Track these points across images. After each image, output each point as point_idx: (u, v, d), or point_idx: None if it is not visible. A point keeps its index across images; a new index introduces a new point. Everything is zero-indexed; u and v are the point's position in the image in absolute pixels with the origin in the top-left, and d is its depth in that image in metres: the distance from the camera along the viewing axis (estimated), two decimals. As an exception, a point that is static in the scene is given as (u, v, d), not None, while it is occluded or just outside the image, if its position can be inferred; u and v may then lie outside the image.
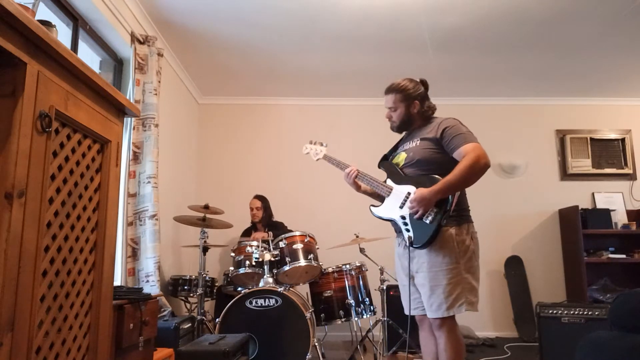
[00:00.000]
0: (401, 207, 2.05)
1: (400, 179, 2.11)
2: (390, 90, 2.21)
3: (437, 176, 1.97)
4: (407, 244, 2.03)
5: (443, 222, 1.93)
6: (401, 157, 2.17)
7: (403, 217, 2.04)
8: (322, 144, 2.49)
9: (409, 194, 2.03)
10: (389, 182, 2.16)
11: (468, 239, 2.00)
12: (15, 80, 1.05)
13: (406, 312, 2.15)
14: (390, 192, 2.11)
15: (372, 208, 2.20)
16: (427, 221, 1.96)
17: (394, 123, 2.23)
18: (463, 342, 2.00)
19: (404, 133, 2.30)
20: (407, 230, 2.02)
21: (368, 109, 5.02)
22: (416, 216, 1.97)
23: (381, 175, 2.21)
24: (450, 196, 1.94)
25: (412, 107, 2.17)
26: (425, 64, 4.13)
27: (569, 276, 4.66)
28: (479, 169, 1.91)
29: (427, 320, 2.08)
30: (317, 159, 2.48)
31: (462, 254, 1.96)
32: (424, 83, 2.22)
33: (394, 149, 2.30)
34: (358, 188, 2.28)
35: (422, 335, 2.18)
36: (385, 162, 2.25)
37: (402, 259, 2.12)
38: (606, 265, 4.51)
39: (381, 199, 2.19)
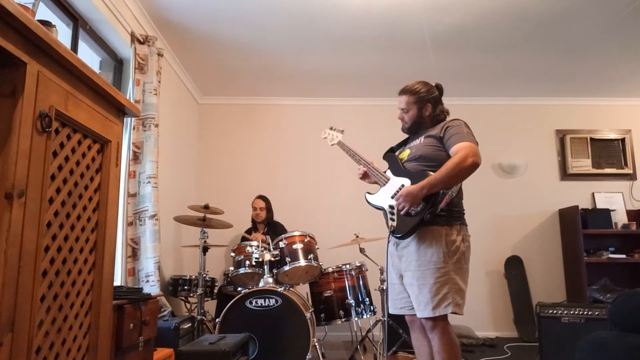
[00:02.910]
0: (392, 197, 2.09)
1: (398, 172, 2.16)
2: (404, 91, 2.24)
3: (431, 172, 2.00)
4: (389, 232, 2.09)
5: (426, 217, 1.95)
6: (405, 153, 2.22)
7: (391, 207, 2.09)
8: (341, 132, 2.54)
9: (402, 185, 2.07)
10: (388, 172, 2.20)
11: (459, 240, 2.01)
12: (15, 80, 1.05)
13: (390, 310, 2.19)
14: (386, 182, 2.16)
15: (366, 195, 2.25)
16: (413, 213, 1.99)
17: (405, 124, 2.27)
18: (457, 342, 2.00)
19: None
20: (392, 220, 2.07)
21: (368, 109, 5.02)
22: (402, 212, 2.01)
23: (385, 166, 2.26)
24: (440, 193, 1.95)
25: (425, 109, 2.21)
26: (425, 64, 4.12)
27: (569, 276, 4.66)
28: (465, 167, 1.93)
29: (418, 321, 2.08)
30: (332, 144, 2.53)
31: (452, 254, 1.98)
32: (438, 87, 2.25)
33: (403, 144, 2.34)
34: (367, 177, 2.33)
35: (414, 337, 2.19)
36: (390, 154, 2.28)
37: (392, 257, 2.17)
38: (606, 265, 4.51)
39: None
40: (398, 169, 2.17)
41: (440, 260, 1.96)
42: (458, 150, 1.97)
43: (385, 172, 2.22)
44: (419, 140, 2.17)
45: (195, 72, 4.41)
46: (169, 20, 3.44)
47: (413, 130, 2.27)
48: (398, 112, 2.28)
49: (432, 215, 1.96)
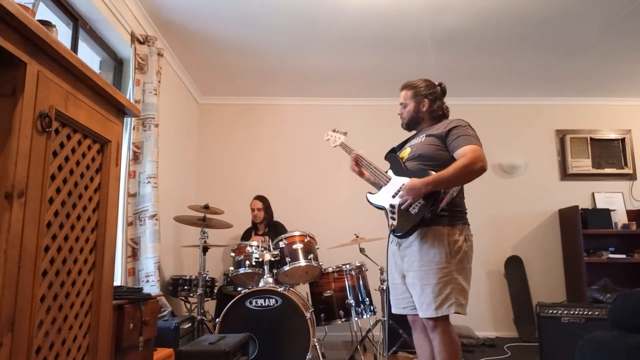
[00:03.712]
0: (393, 197, 2.09)
1: (400, 171, 2.16)
2: (403, 86, 2.27)
3: (432, 171, 2.00)
4: (390, 231, 2.09)
5: (427, 216, 1.95)
6: (405, 152, 2.21)
7: (392, 206, 2.08)
8: (344, 133, 2.56)
9: (403, 184, 2.06)
10: (390, 172, 2.20)
11: (461, 239, 2.00)
12: (15, 80, 1.05)
13: (393, 310, 2.19)
14: (387, 182, 2.16)
15: (368, 195, 2.25)
16: (413, 212, 1.99)
17: (403, 120, 2.28)
18: (458, 342, 1.99)
19: (412, 132, 2.34)
20: (393, 219, 2.07)
21: (368, 109, 5.02)
22: (403, 206, 2.01)
23: (387, 167, 2.25)
24: (441, 192, 1.95)
25: (422, 105, 2.21)
26: (425, 64, 4.12)
27: (569, 276, 4.66)
28: (473, 170, 1.93)
29: (420, 321, 2.08)
30: (335, 146, 2.56)
31: (454, 254, 1.97)
32: (441, 86, 2.26)
33: (403, 144, 2.34)
34: (361, 174, 2.33)
35: (415, 337, 2.18)
36: (391, 154, 2.28)
37: (394, 256, 2.16)
38: (606, 265, 4.51)
39: (380, 187, 2.24)
40: (399, 169, 2.16)
41: (442, 260, 1.95)
42: (465, 152, 1.96)
43: (386, 172, 2.22)
44: (420, 139, 2.17)
45: (195, 72, 4.41)
46: (169, 20, 3.44)
47: (411, 125, 2.28)
48: (398, 108, 2.29)
49: (432, 214, 1.95)
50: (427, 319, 1.98)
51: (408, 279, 2.06)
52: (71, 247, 1.29)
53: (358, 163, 2.30)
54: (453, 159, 2.02)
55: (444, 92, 2.26)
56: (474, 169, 1.93)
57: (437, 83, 2.26)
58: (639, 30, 3.57)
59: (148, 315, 2.03)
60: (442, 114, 2.23)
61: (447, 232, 1.99)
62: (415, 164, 2.11)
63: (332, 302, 3.49)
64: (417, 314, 2.04)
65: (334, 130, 2.60)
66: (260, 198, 4.31)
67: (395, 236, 2.08)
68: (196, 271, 3.66)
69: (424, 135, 2.16)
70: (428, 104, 2.20)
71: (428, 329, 2.01)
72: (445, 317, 1.96)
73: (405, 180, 2.08)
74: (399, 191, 2.07)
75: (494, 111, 5.06)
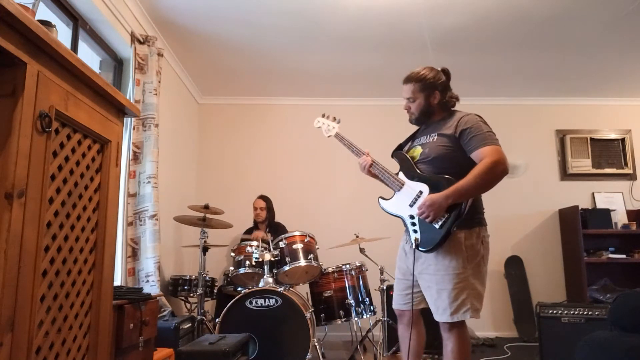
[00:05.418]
0: (411, 206, 1.97)
1: (413, 175, 2.01)
2: (408, 79, 2.10)
3: (452, 178, 1.88)
4: (413, 246, 1.96)
5: (453, 229, 1.86)
6: (417, 152, 2.07)
7: (412, 217, 1.96)
8: (335, 119, 2.36)
9: (421, 192, 1.95)
10: (401, 175, 2.06)
11: (478, 243, 1.93)
12: (15, 80, 1.05)
13: (393, 305, 2.11)
14: (401, 187, 2.02)
15: (380, 201, 2.11)
16: (437, 226, 1.88)
17: (413, 115, 2.12)
18: (470, 345, 1.96)
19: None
20: (415, 232, 1.95)
21: (368, 109, 5.02)
22: (426, 221, 1.89)
23: (392, 165, 2.13)
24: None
25: (432, 97, 2.06)
26: (425, 64, 4.09)
27: (569, 276, 4.66)
28: (495, 175, 1.84)
29: (407, 314, 2.05)
30: (329, 136, 2.35)
31: (471, 258, 1.90)
32: (445, 72, 2.11)
33: (410, 140, 2.21)
34: (369, 173, 2.17)
35: (400, 329, 2.12)
36: (400, 153, 2.13)
37: (407, 257, 2.05)
38: (606, 265, 4.51)
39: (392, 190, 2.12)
40: (412, 172, 2.02)
41: (459, 265, 1.88)
42: (484, 155, 1.86)
43: (397, 174, 2.07)
44: (432, 138, 2.03)
45: (195, 72, 4.41)
46: (169, 20, 3.44)
47: (421, 120, 2.12)
48: (404, 102, 2.13)
49: (458, 227, 1.87)
50: (441, 322, 1.94)
51: (422, 281, 1.99)
52: (71, 247, 1.29)
53: (371, 169, 2.12)
54: (469, 160, 1.92)
55: (449, 78, 2.10)
56: (496, 174, 1.83)
57: (439, 69, 2.10)
58: (639, 30, 3.57)
59: (148, 315, 2.03)
60: (453, 104, 2.09)
61: (465, 236, 1.90)
62: (430, 169, 1.99)
63: (332, 302, 3.49)
64: (408, 309, 2.03)
65: (323, 116, 2.38)
66: (263, 198, 4.33)
67: (421, 251, 1.95)
68: (196, 271, 3.66)
69: (436, 134, 2.03)
70: (439, 96, 2.06)
71: (443, 329, 1.94)
72: (462, 320, 1.91)
73: (421, 186, 1.96)
74: (416, 199, 1.95)
75: (494, 111, 5.04)
